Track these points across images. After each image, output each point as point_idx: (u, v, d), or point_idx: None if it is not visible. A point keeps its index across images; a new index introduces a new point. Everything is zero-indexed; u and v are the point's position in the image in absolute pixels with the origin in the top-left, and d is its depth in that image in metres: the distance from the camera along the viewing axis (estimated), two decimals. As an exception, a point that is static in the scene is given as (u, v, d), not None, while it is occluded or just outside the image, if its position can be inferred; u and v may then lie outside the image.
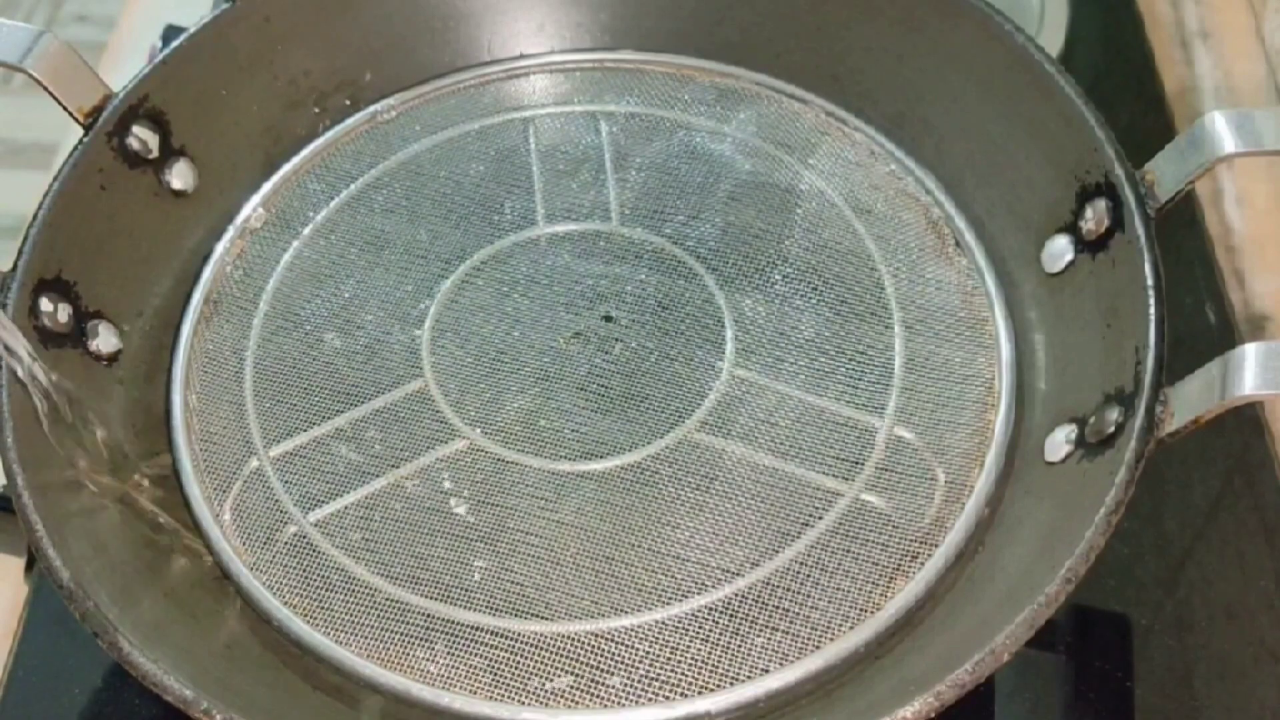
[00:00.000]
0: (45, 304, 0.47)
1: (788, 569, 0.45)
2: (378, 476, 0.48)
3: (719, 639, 0.44)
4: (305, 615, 0.45)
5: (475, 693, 0.43)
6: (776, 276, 0.53)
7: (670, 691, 0.43)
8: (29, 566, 0.52)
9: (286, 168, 0.57)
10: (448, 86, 0.59)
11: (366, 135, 0.58)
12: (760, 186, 0.56)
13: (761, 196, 0.55)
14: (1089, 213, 0.49)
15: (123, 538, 0.46)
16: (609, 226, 0.55)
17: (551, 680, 0.43)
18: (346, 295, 0.53)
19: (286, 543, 0.47)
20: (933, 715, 0.38)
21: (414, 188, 0.56)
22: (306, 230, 0.55)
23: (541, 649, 0.44)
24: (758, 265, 0.53)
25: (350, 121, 0.58)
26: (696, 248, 0.54)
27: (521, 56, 0.60)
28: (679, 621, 0.44)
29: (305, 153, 0.57)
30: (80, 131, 0.50)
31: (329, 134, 0.58)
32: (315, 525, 0.47)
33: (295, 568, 0.46)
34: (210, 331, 0.52)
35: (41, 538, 0.42)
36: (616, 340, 0.51)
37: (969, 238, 0.53)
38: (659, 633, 0.44)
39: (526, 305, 0.52)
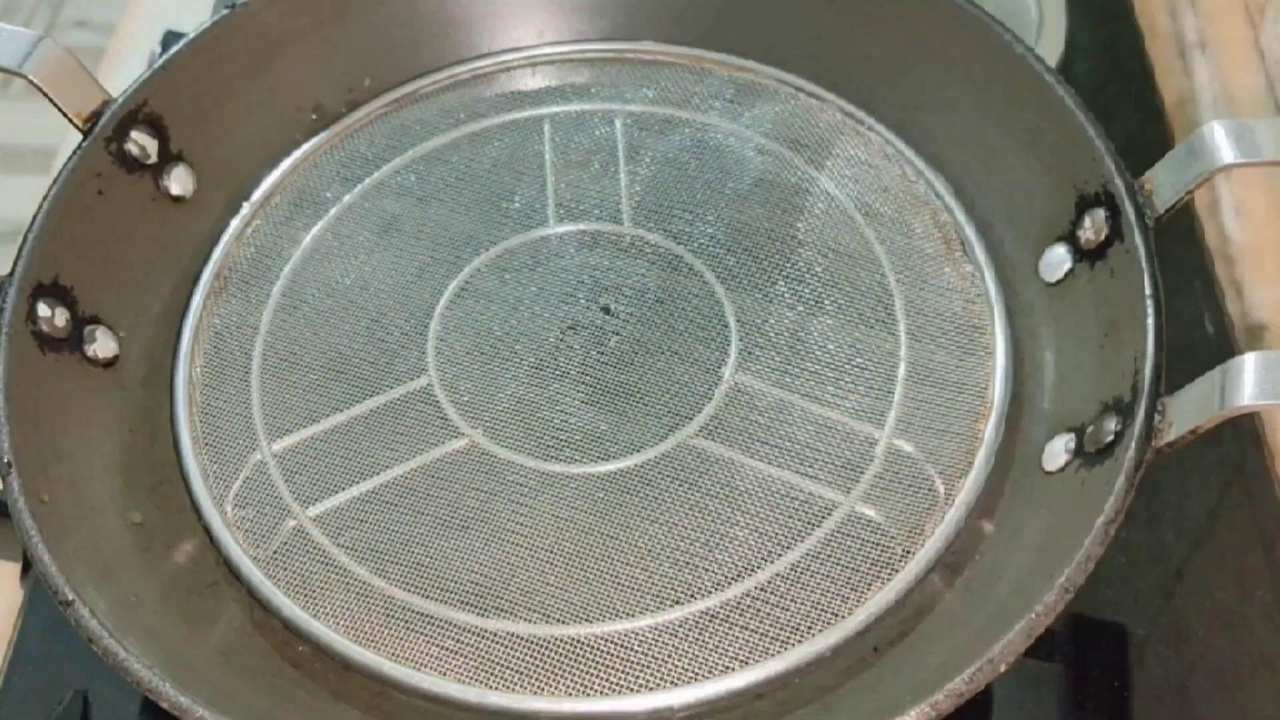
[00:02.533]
0: (43, 309, 0.47)
1: (784, 576, 0.45)
2: (379, 473, 0.48)
3: (716, 643, 0.44)
4: (304, 609, 0.45)
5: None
6: (782, 279, 0.53)
7: (664, 689, 0.43)
8: (24, 571, 0.52)
9: (286, 172, 0.57)
10: (446, 84, 0.59)
11: (366, 140, 0.58)
12: (771, 186, 0.55)
13: (771, 196, 0.55)
14: (1087, 222, 0.49)
15: (118, 543, 0.46)
16: (621, 227, 0.54)
17: (547, 681, 0.43)
18: (348, 299, 0.53)
19: (286, 537, 0.47)
20: (930, 725, 0.38)
21: (417, 189, 0.56)
22: (307, 237, 0.55)
23: (538, 650, 0.44)
24: (764, 267, 0.53)
25: (350, 124, 0.58)
26: (709, 246, 0.53)
27: (529, 48, 0.60)
28: (678, 624, 0.44)
29: (304, 158, 0.57)
30: (78, 136, 0.50)
31: (328, 139, 0.58)
32: (315, 520, 0.47)
33: (295, 562, 0.46)
34: (212, 333, 0.52)
35: (37, 543, 0.42)
36: (619, 341, 0.51)
37: (975, 244, 0.53)
38: (656, 635, 0.44)
39: (536, 304, 0.52)
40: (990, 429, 0.48)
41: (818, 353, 0.51)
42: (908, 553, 0.46)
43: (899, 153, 0.56)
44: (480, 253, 0.54)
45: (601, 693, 0.43)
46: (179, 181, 0.54)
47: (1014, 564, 0.44)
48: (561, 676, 0.44)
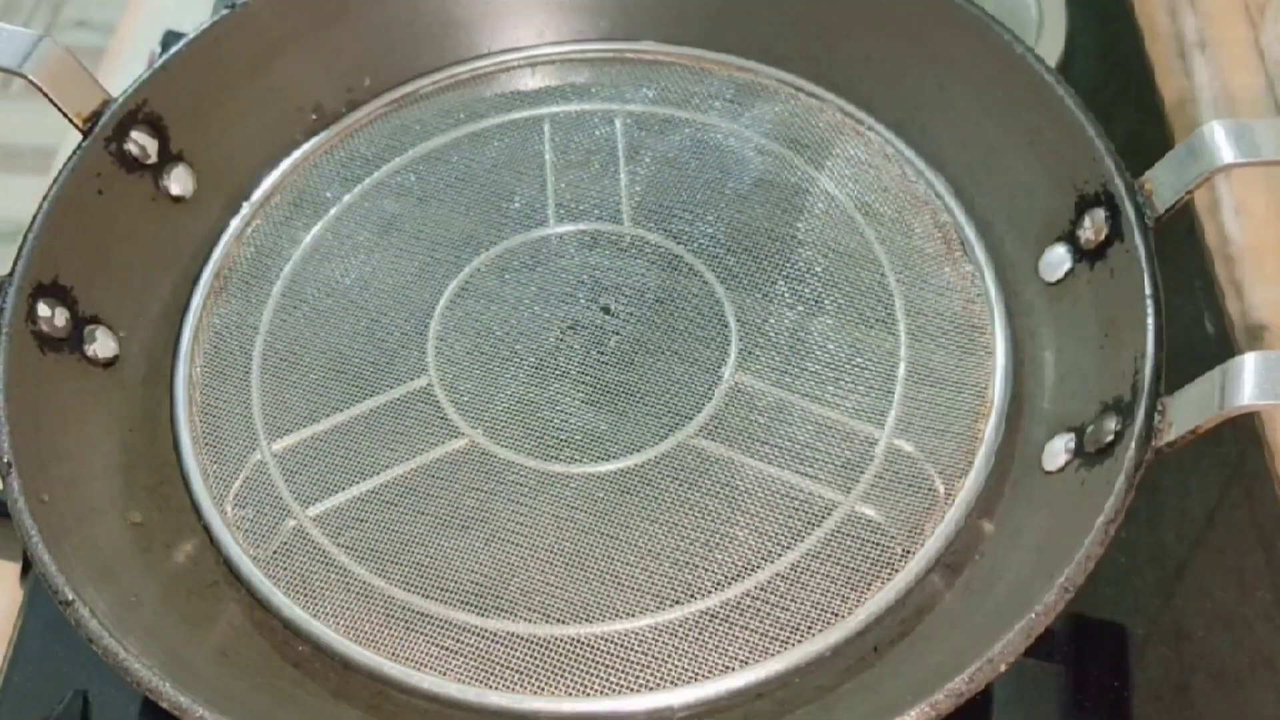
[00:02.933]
0: (43, 309, 0.47)
1: (784, 576, 0.45)
2: (379, 473, 0.48)
3: (716, 643, 0.44)
4: (304, 609, 0.45)
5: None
6: (782, 279, 0.53)
7: (664, 689, 0.43)
8: (24, 571, 0.52)
9: (286, 172, 0.57)
10: (446, 84, 0.59)
11: (366, 140, 0.58)
12: (771, 186, 0.55)
13: (771, 196, 0.55)
14: (1087, 222, 0.49)
15: (118, 543, 0.46)
16: (621, 227, 0.54)
17: (547, 681, 0.43)
18: (348, 299, 0.53)
19: (286, 537, 0.47)
20: (930, 724, 0.38)
21: (417, 189, 0.56)
22: (307, 237, 0.55)
23: (538, 650, 0.44)
24: (764, 267, 0.53)
25: (350, 124, 0.58)
26: (709, 246, 0.53)
27: (529, 48, 0.60)
28: (678, 624, 0.44)
29: (304, 158, 0.57)
30: (78, 136, 0.50)
31: (328, 139, 0.58)
32: (315, 520, 0.47)
33: (295, 562, 0.46)
34: (212, 333, 0.52)
35: (37, 544, 0.42)
36: (619, 341, 0.51)
37: (975, 244, 0.53)
38: (656, 635, 0.44)
39: (536, 304, 0.52)
40: (990, 429, 0.48)
41: (818, 353, 0.51)
42: (908, 553, 0.46)
43: (899, 153, 0.56)
44: (480, 253, 0.54)
45: (601, 693, 0.43)
46: (179, 181, 0.54)
47: (1014, 564, 0.44)
48: (561, 676, 0.44)
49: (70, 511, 0.45)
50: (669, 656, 0.44)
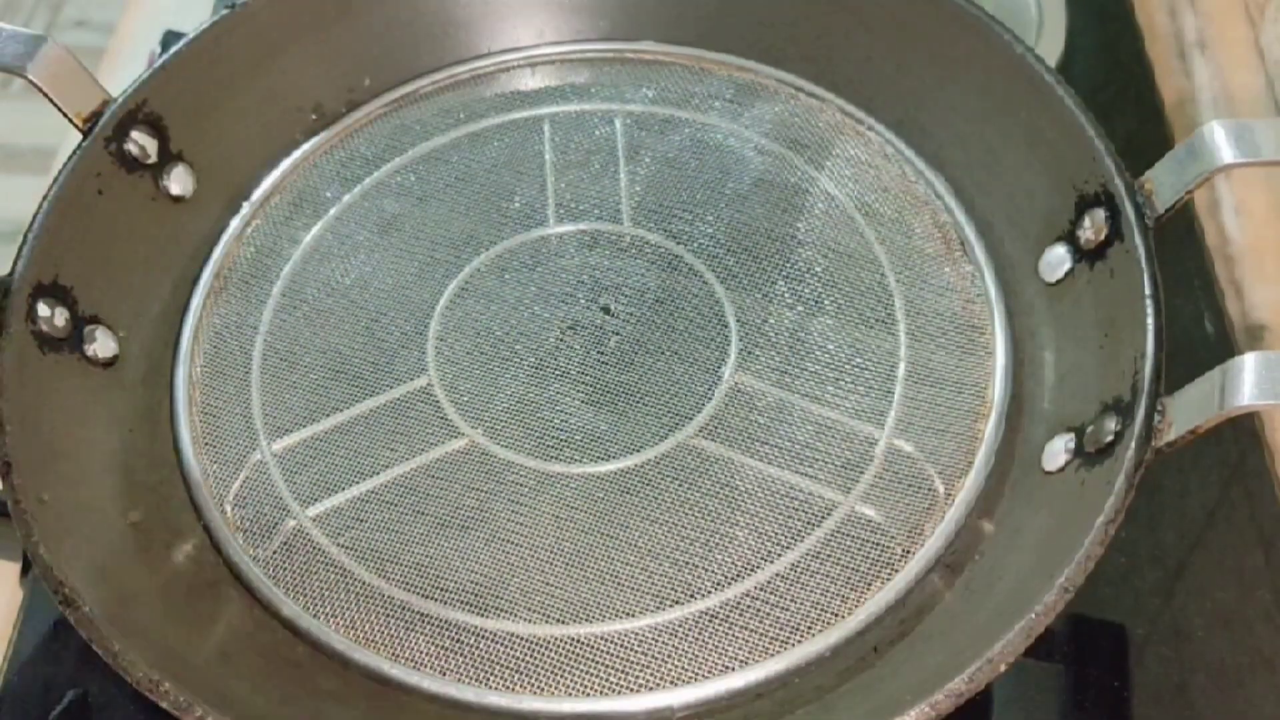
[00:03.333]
0: (43, 309, 0.48)
1: (784, 576, 0.45)
2: (379, 473, 0.48)
3: (716, 643, 0.44)
4: (304, 609, 0.45)
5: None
6: (782, 279, 0.53)
7: (663, 689, 0.43)
8: (24, 571, 0.52)
9: (286, 172, 0.57)
10: (446, 84, 0.59)
11: (366, 140, 0.58)
12: (771, 186, 0.55)
13: (771, 196, 0.55)
14: (1087, 222, 0.49)
15: (117, 543, 0.46)
16: (621, 227, 0.55)
17: (546, 681, 0.43)
18: (348, 299, 0.53)
19: (286, 537, 0.47)
20: (930, 725, 0.38)
21: (417, 189, 0.56)
22: (307, 237, 0.55)
23: (538, 649, 0.44)
24: (764, 267, 0.53)
25: (350, 124, 0.58)
26: (709, 246, 0.53)
27: (529, 48, 0.60)
28: (678, 624, 0.44)
29: (304, 158, 0.57)
30: (78, 136, 0.50)
31: (328, 139, 0.58)
32: (315, 520, 0.47)
33: (295, 562, 0.46)
34: (212, 333, 0.52)
35: (37, 543, 0.42)
36: (619, 341, 0.51)
37: (975, 244, 0.53)
38: (656, 635, 0.44)
39: (536, 304, 0.52)
40: (990, 429, 0.48)
41: (818, 353, 0.51)
42: (908, 553, 0.46)
43: (899, 153, 0.56)
44: (480, 253, 0.54)
45: (601, 693, 0.43)
46: (179, 181, 0.54)
47: (1014, 564, 0.44)
48: (561, 676, 0.44)
49: (70, 511, 0.45)
50: (669, 656, 0.44)
